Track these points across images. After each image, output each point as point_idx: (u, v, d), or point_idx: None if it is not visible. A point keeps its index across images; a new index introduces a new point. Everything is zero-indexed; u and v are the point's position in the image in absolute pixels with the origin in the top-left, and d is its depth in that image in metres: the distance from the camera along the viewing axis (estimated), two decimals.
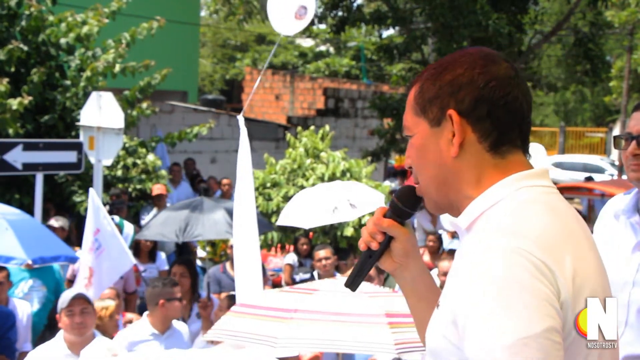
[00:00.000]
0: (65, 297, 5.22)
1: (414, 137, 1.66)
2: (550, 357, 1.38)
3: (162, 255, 8.65)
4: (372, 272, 6.41)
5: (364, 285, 4.78)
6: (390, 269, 1.83)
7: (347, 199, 8.30)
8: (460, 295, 1.45)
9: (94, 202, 6.79)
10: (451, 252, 9.12)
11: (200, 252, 9.98)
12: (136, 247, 8.31)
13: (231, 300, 5.94)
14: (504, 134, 1.60)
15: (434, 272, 7.14)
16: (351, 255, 9.30)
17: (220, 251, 9.19)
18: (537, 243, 1.44)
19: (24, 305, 6.40)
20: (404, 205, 1.76)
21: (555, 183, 1.67)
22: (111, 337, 5.79)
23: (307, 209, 8.28)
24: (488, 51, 1.66)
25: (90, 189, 7.19)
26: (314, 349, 4.63)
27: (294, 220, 8.44)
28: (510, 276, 1.40)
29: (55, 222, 8.20)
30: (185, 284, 6.76)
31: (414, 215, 1.86)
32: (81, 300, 5.15)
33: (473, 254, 1.47)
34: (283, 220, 8.42)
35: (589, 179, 18.68)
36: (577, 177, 21.55)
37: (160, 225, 7.69)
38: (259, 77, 6.81)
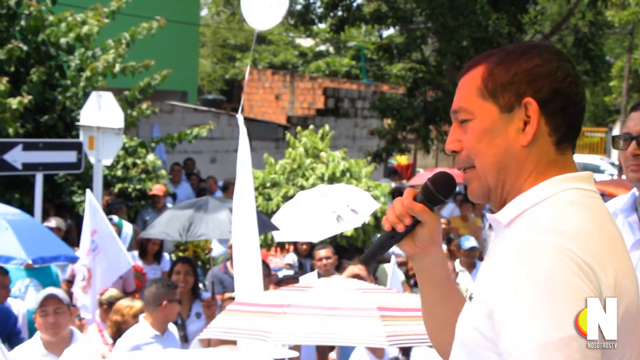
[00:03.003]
0: (39, 297, 5.20)
1: (475, 120, 1.63)
2: (588, 359, 1.37)
3: (167, 257, 8.65)
4: (364, 272, 6.41)
5: (357, 283, 4.79)
6: (411, 252, 1.80)
7: (347, 204, 8.29)
8: (500, 289, 1.43)
9: (92, 203, 6.79)
10: (450, 253, 9.14)
11: None
12: (142, 248, 8.30)
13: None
14: (570, 131, 1.62)
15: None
16: (356, 256, 9.29)
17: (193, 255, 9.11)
18: (582, 244, 1.44)
19: (20, 304, 6.40)
20: (437, 191, 1.73)
21: None
22: None
23: (309, 221, 8.27)
24: (557, 48, 1.67)
25: (87, 190, 7.18)
26: (307, 342, 4.64)
27: (298, 236, 8.44)
28: (553, 274, 1.39)
29: (50, 222, 8.20)
30: (190, 281, 6.75)
31: (446, 202, 1.85)
32: (54, 300, 5.12)
33: (516, 249, 1.46)
34: (285, 236, 8.40)
35: None
36: None
37: (165, 224, 7.70)
38: (246, 73, 6.81)
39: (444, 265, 1.81)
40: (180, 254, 8.92)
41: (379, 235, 1.73)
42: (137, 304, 5.93)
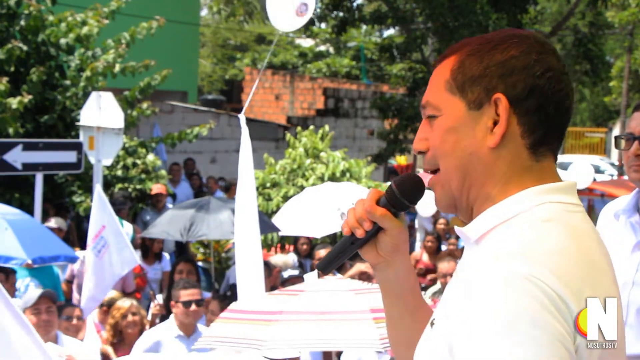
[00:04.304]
0: (31, 296, 5.20)
1: (442, 117, 1.45)
2: None
3: (167, 256, 8.66)
4: (371, 270, 6.40)
5: (351, 283, 4.79)
6: (374, 262, 1.60)
7: (351, 202, 8.33)
8: (461, 322, 1.28)
9: (101, 199, 6.79)
10: (451, 253, 9.14)
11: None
12: (145, 247, 8.31)
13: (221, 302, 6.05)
14: (548, 133, 1.42)
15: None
16: (358, 255, 9.31)
17: (213, 251, 9.17)
18: (554, 272, 1.26)
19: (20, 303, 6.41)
20: (402, 195, 1.52)
21: None
22: (128, 340, 5.81)
23: (313, 217, 8.29)
24: (542, 38, 1.46)
25: (97, 185, 7.18)
26: (300, 349, 4.64)
27: (302, 230, 8.46)
28: (520, 308, 1.23)
29: (51, 222, 8.20)
30: (193, 280, 6.78)
31: (411, 208, 1.61)
32: (46, 299, 5.14)
33: (480, 276, 1.29)
34: (289, 230, 8.42)
35: None
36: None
37: (166, 223, 7.72)
38: (258, 77, 6.82)
39: (409, 277, 1.62)
40: (203, 249, 8.96)
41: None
42: (126, 304, 5.96)
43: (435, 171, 1.49)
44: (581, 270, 1.31)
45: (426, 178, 1.52)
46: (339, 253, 1.60)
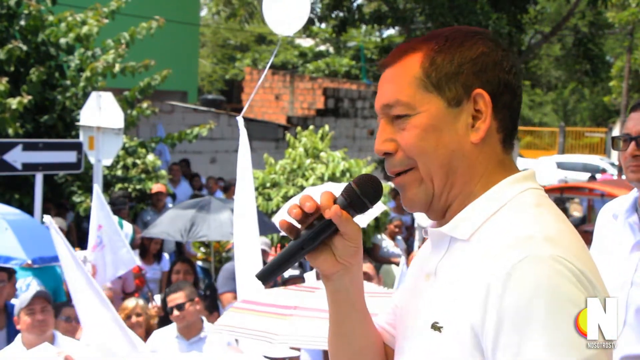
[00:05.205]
0: (25, 296, 5.17)
1: (418, 115, 1.42)
2: None
3: (167, 257, 8.66)
4: (372, 271, 6.39)
5: (366, 285, 4.78)
6: (331, 270, 1.49)
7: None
8: (499, 315, 1.28)
9: (99, 199, 6.81)
10: None
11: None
12: (143, 247, 8.31)
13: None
14: (515, 128, 1.47)
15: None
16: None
17: (214, 251, 9.18)
18: (572, 252, 1.31)
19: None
20: (364, 195, 1.45)
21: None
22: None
23: None
24: (494, 36, 1.51)
25: (95, 185, 7.20)
26: (312, 346, 4.64)
27: None
28: (555, 287, 1.26)
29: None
30: (190, 280, 6.78)
31: (369, 210, 1.52)
32: (41, 299, 5.12)
33: (508, 268, 1.29)
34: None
35: (592, 178, 18.71)
36: (577, 177, 21.57)
37: (167, 223, 7.71)
38: (260, 79, 6.82)
39: (362, 280, 1.56)
40: (204, 249, 8.97)
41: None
42: (131, 304, 5.96)
43: (401, 173, 1.46)
44: (584, 249, 1.36)
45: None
46: (285, 261, 1.46)
